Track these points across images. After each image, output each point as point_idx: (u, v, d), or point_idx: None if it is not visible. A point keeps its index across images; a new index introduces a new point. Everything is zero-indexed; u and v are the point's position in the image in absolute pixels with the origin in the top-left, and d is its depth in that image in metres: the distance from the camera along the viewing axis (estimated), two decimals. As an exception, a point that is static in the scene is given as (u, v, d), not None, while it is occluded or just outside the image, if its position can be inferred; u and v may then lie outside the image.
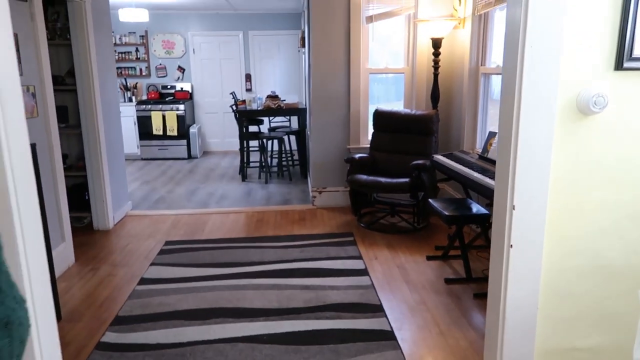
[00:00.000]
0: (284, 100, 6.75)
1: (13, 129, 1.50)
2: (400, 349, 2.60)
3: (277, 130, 6.95)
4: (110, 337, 2.78)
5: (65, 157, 4.46)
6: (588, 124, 1.67)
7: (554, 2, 1.56)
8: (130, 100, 8.09)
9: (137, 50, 8.33)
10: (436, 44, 4.55)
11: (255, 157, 7.06)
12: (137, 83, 8.37)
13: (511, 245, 1.72)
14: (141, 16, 6.45)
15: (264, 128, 7.22)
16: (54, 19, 4.29)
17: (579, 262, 1.73)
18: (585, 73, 1.65)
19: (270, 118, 7.25)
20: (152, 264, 3.79)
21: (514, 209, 1.69)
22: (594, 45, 1.63)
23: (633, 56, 1.60)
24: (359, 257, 3.82)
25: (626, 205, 1.70)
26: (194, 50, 8.40)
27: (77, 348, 2.65)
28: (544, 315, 1.77)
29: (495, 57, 4.28)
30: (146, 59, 8.39)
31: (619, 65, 1.63)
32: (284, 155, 6.67)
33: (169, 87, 8.37)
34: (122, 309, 3.09)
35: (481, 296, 3.14)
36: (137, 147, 7.96)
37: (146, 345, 2.69)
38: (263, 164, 6.50)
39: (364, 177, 4.40)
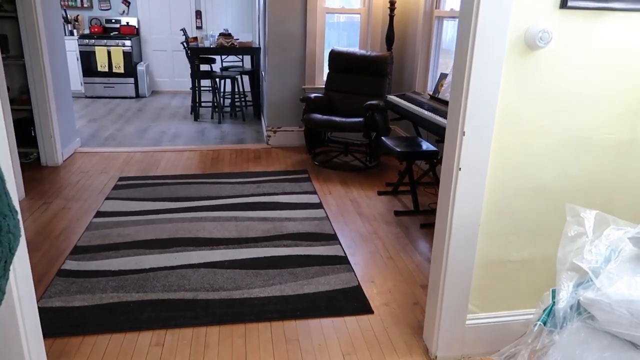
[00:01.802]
0: (237, 39, 6.61)
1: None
2: (354, 271, 2.81)
3: (230, 69, 6.83)
4: (71, 264, 2.82)
5: (7, 89, 4.24)
6: (534, 59, 1.82)
7: (510, -61, 1.67)
8: (72, 34, 7.62)
9: (77, -21, 7.78)
10: (393, -15, 4.58)
11: (207, 97, 6.95)
12: (78, 15, 7.87)
13: (460, 168, 1.89)
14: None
15: (216, 67, 7.07)
16: None
17: (518, 184, 1.94)
18: (534, 10, 1.78)
19: (223, 57, 7.09)
20: (107, 198, 3.78)
21: (464, 134, 1.85)
22: (543, -17, 1.76)
23: (577, -5, 1.75)
24: (314, 192, 3.97)
25: (562, 134, 1.90)
26: (139, -18, 7.94)
27: (38, 275, 2.68)
28: (484, 231, 1.98)
29: (450, 1, 4.38)
30: (87, -11, 7.86)
31: (564, 4, 1.78)
32: (237, 95, 6.61)
33: (113, 21, 7.93)
34: (80, 240, 3.11)
35: (427, 226, 3.39)
36: (81, 84, 7.60)
37: (108, 271, 2.76)
38: (216, 103, 6.43)
39: (319, 116, 4.49)
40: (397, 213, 3.61)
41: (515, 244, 2.03)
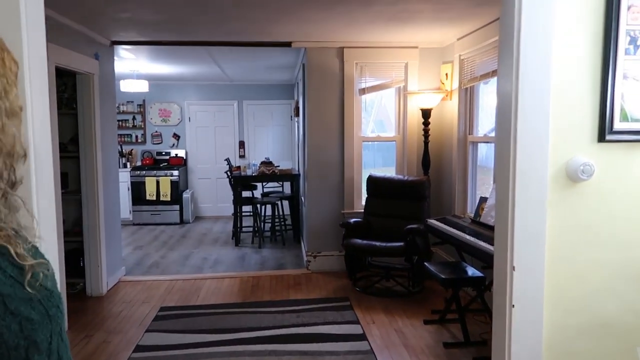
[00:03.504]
0: (278, 166, 6.93)
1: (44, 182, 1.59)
2: (404, 415, 2.58)
3: (270, 195, 7.07)
4: (107, 406, 2.71)
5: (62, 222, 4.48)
6: (578, 190, 1.81)
7: (541, 79, 1.75)
8: (125, 166, 8.20)
9: (134, 118, 8.56)
10: (426, 114, 4.81)
11: (247, 222, 7.13)
12: (132, 150, 8.53)
13: (513, 305, 1.79)
14: (141, 87, 6.72)
15: (257, 193, 7.33)
16: (61, 89, 4.48)
17: (578, 321, 1.81)
18: (572, 145, 1.81)
19: (264, 183, 7.39)
20: (148, 330, 3.74)
21: (514, 269, 1.78)
22: (580, 119, 1.80)
23: (614, 130, 1.78)
24: (357, 322, 3.82)
25: (619, 266, 1.81)
26: (189, 118, 8.66)
27: (72, 419, 2.57)
28: (547, 375, 1.81)
29: (482, 126, 4.53)
30: (142, 126, 8.61)
31: (601, 138, 1.80)
32: (277, 220, 6.75)
33: (163, 153, 8.53)
34: (117, 378, 3.03)
35: (481, 360, 3.14)
36: (130, 212, 7.97)
37: (144, 415, 2.63)
38: (256, 228, 6.55)
39: (359, 241, 4.48)
40: (446, 345, 3.39)
41: (585, 390, 1.83)
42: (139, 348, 3.43)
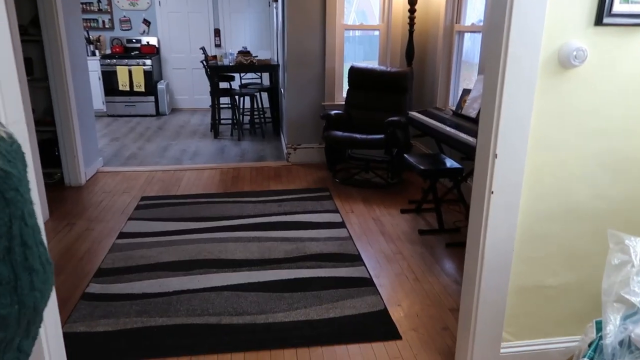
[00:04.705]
0: (256, 56, 6.65)
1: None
2: (379, 294, 2.75)
3: (248, 87, 6.86)
4: (95, 288, 2.81)
5: (32, 111, 4.30)
6: (568, 77, 1.76)
7: (541, -43, 1.62)
8: (94, 54, 7.77)
9: (99, 1, 7.94)
10: (412, 1, 4.56)
11: (226, 114, 6.98)
12: (100, 36, 8.02)
13: (492, 192, 1.83)
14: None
15: (235, 85, 7.11)
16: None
17: (553, 207, 1.87)
18: (567, 28, 1.72)
19: (242, 75, 7.14)
20: (130, 218, 3.79)
21: (496, 157, 1.79)
22: (576, 1, 1.70)
23: (612, 12, 1.69)
24: (336, 211, 3.92)
25: (599, 154, 1.83)
26: (159, 2, 8.08)
27: (62, 299, 2.67)
28: (518, 256, 1.91)
29: (470, 15, 4.34)
30: (109, 10, 8.02)
31: (599, 21, 1.71)
32: (256, 112, 6.63)
33: (134, 40, 8.06)
34: (103, 262, 3.11)
35: (453, 245, 3.31)
36: (103, 104, 7.71)
37: (132, 295, 2.74)
38: (235, 121, 6.45)
39: (339, 133, 4.46)
40: (421, 232, 3.54)
41: (551, 269, 1.95)
42: (122, 235, 3.49)
